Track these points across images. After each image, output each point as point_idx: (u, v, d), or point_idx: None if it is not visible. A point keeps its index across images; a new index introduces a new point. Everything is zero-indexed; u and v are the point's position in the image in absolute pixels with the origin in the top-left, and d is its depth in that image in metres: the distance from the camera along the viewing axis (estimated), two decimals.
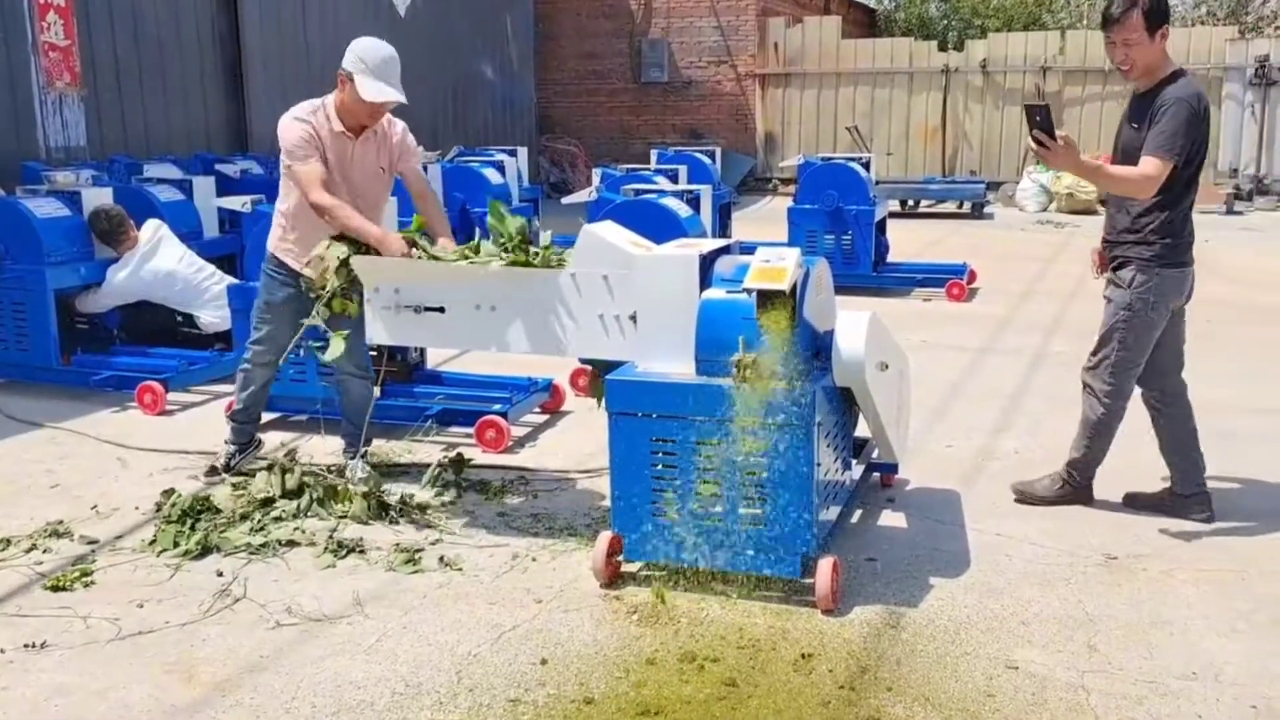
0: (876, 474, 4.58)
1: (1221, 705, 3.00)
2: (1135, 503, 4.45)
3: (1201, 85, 4.20)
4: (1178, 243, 4.15)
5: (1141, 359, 4.24)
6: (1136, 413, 4.38)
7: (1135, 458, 4.60)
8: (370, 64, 4.38)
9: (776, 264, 3.50)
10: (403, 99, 4.42)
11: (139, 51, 11.99)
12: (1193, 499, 4.33)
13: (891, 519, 4.36)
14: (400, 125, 4.73)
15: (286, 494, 4.45)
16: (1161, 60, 4.10)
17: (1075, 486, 4.44)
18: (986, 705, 3.01)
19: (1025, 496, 4.47)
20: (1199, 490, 4.34)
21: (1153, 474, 4.53)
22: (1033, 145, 3.91)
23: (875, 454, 4.45)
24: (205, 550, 4.05)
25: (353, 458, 4.80)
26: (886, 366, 3.87)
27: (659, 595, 3.61)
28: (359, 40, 4.50)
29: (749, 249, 3.87)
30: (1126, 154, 4.17)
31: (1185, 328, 4.38)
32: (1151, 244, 4.12)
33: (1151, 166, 3.96)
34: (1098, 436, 4.35)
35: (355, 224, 4.33)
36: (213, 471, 4.86)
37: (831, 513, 3.82)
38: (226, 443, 4.96)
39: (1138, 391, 4.37)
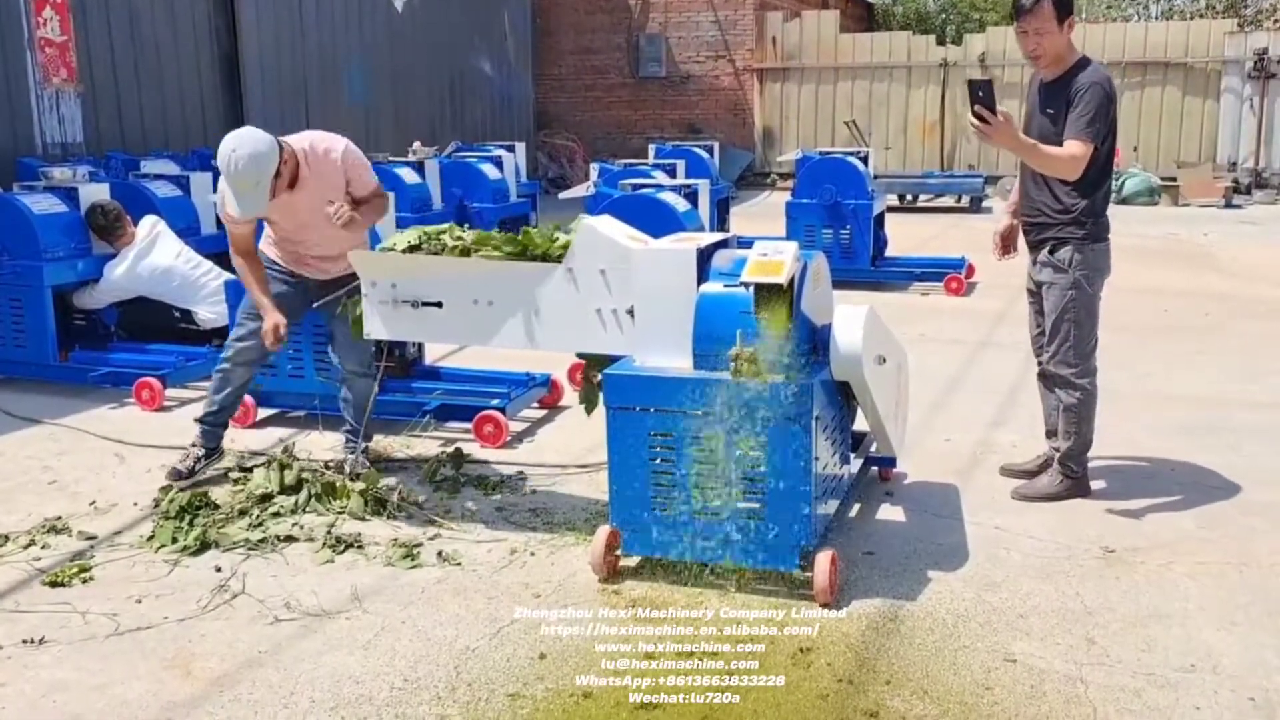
0: (875, 468, 4.57)
1: (1219, 697, 3.01)
2: (1011, 474, 4.69)
3: (1108, 69, 4.35)
4: (1102, 219, 4.36)
5: (1095, 333, 4.39)
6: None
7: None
8: (224, 173, 4.23)
9: (774, 258, 3.48)
10: (243, 215, 4.33)
11: (136, 47, 11.98)
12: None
13: (890, 513, 4.36)
14: (339, 150, 4.48)
15: (285, 489, 4.45)
16: (1069, 49, 4.29)
17: (1076, 478, 4.44)
18: (984, 698, 3.01)
19: (1027, 497, 4.46)
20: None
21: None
22: (974, 121, 4.02)
23: (873, 448, 4.45)
24: (203, 546, 4.05)
25: (351, 453, 4.81)
26: (884, 360, 3.87)
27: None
28: (225, 140, 4.23)
29: (746, 243, 3.86)
30: (1043, 140, 4.27)
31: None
32: (1084, 224, 4.29)
33: (1077, 148, 4.15)
34: (1082, 421, 4.40)
35: (253, 292, 4.60)
36: (176, 475, 4.64)
37: (830, 506, 3.82)
38: (193, 446, 4.77)
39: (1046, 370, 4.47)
